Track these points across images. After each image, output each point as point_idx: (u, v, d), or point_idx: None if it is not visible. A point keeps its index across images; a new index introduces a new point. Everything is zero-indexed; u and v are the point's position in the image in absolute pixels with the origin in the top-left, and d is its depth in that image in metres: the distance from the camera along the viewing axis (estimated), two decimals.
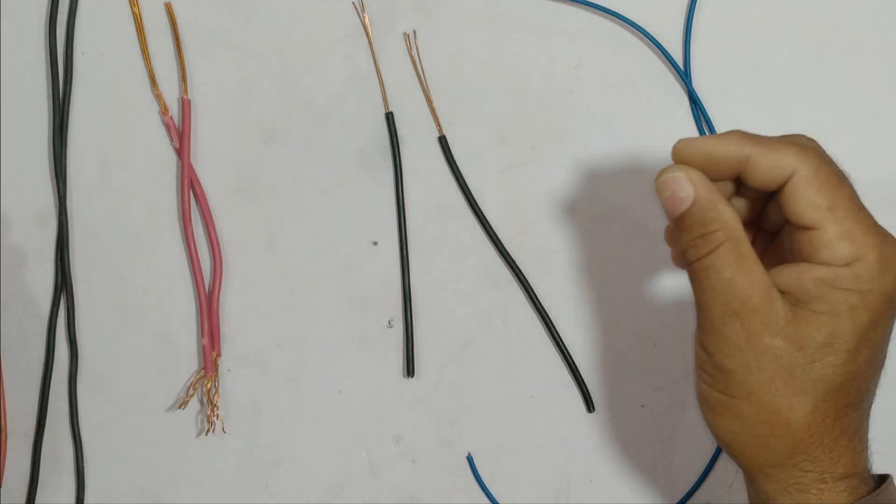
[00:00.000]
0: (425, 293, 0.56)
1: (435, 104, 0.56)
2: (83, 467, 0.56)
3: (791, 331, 0.38)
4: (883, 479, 0.41)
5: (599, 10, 0.56)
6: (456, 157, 0.56)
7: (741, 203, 0.43)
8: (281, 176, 0.56)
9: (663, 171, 0.39)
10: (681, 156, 0.40)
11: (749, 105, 0.56)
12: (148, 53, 0.56)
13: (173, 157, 0.56)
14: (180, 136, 0.56)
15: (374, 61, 0.56)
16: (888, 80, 0.56)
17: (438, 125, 0.56)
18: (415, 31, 0.56)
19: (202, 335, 0.55)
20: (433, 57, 0.56)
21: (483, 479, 0.56)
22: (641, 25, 0.55)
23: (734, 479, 0.56)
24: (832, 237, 0.37)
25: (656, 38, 0.56)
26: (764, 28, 0.56)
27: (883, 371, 0.40)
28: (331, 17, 0.56)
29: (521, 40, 0.56)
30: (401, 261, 0.56)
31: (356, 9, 0.56)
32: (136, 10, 0.56)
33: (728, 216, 0.38)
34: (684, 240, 0.39)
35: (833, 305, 0.37)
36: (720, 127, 0.56)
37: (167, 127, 0.56)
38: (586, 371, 0.56)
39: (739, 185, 0.42)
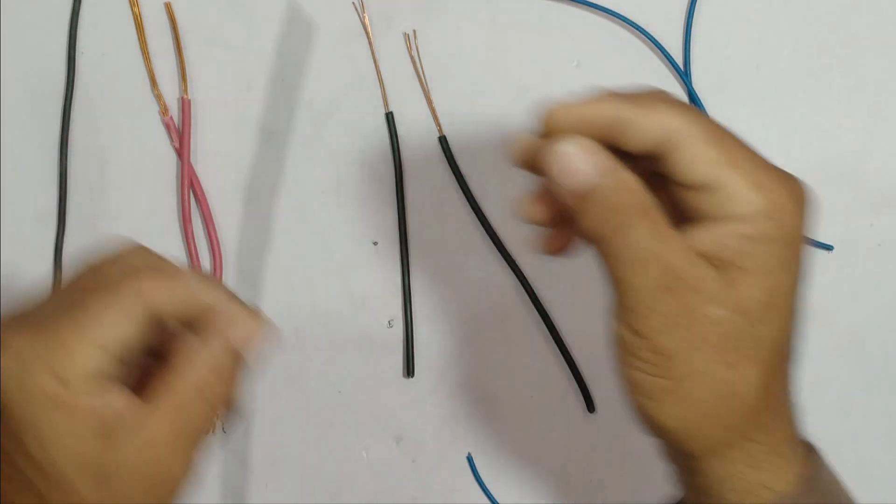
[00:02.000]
0: (425, 293, 0.56)
1: (435, 104, 0.56)
2: None
3: (729, 295, 0.34)
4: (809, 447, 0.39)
5: (599, 10, 0.56)
6: (456, 157, 0.56)
7: None
8: (281, 176, 0.56)
9: (551, 144, 0.34)
10: (557, 125, 0.35)
11: (749, 105, 0.56)
12: (148, 53, 0.56)
13: (173, 157, 0.56)
14: (180, 136, 0.56)
15: (374, 61, 0.56)
16: (888, 80, 0.56)
17: (438, 125, 0.56)
18: (415, 31, 0.56)
19: None
20: (433, 57, 0.56)
21: (483, 479, 0.56)
22: (641, 25, 0.55)
23: None
24: (743, 190, 0.34)
25: (656, 38, 0.56)
26: (764, 28, 0.56)
27: None
28: (331, 17, 0.56)
29: (521, 40, 0.56)
30: (401, 261, 0.56)
31: (356, 9, 0.56)
32: (136, 10, 0.56)
33: (634, 182, 0.34)
34: (592, 216, 0.34)
35: (765, 261, 0.34)
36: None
37: (167, 127, 0.56)
38: (586, 371, 0.56)
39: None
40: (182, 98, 0.56)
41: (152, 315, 0.34)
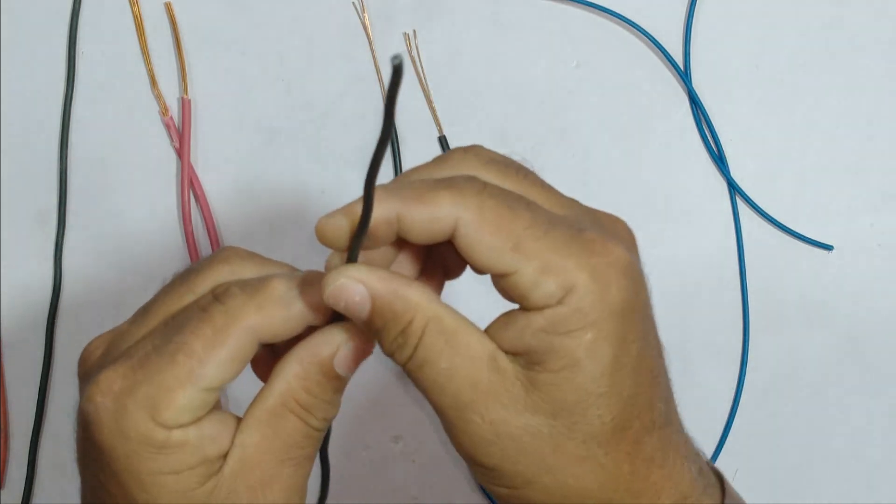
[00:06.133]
0: None
1: (435, 104, 0.56)
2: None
3: (536, 401, 0.31)
4: (721, 478, 0.37)
5: (599, 10, 0.56)
6: None
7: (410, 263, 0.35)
8: (281, 176, 0.56)
9: (324, 280, 0.32)
10: (327, 237, 0.33)
11: (749, 105, 0.56)
12: (148, 53, 0.56)
13: (173, 157, 0.56)
14: (180, 136, 0.56)
15: (374, 61, 0.56)
16: (888, 80, 0.56)
17: (438, 125, 0.56)
18: (415, 31, 0.56)
19: None
20: (433, 57, 0.56)
21: None
22: (641, 25, 0.55)
23: (734, 476, 0.56)
24: (532, 278, 0.31)
25: (656, 38, 0.56)
26: (764, 28, 0.56)
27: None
28: (331, 17, 0.56)
29: (522, 40, 0.56)
30: None
31: (356, 9, 0.56)
32: (136, 10, 0.56)
33: (415, 296, 0.32)
34: (385, 344, 0.32)
35: (567, 356, 0.31)
36: (720, 127, 0.56)
37: (167, 127, 0.56)
38: None
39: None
40: (182, 98, 0.56)
41: (256, 346, 0.33)
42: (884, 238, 0.55)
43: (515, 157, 0.58)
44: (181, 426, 0.32)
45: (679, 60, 0.56)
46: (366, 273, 0.32)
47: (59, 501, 0.56)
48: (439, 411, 0.32)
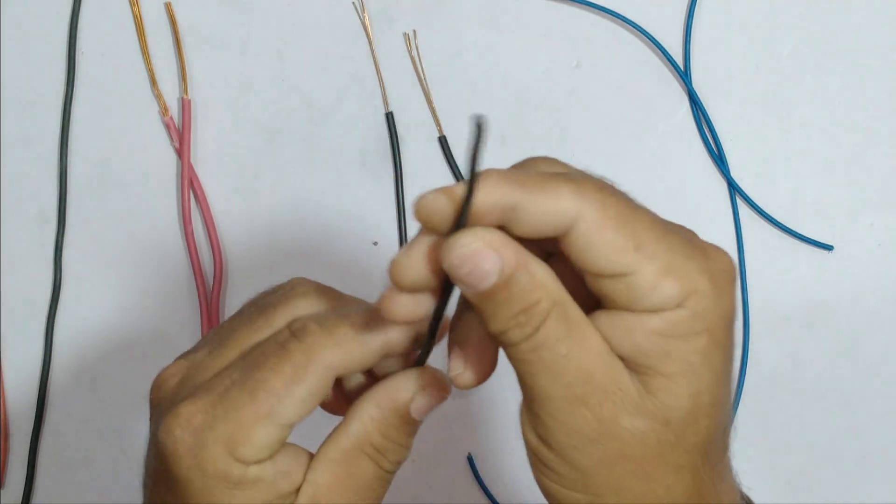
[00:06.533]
0: None
1: (435, 104, 0.56)
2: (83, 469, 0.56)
3: (648, 405, 0.30)
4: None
5: (599, 10, 0.56)
6: (456, 158, 0.56)
7: None
8: (281, 176, 0.56)
9: (450, 241, 0.29)
10: (431, 214, 0.30)
11: (749, 105, 0.56)
12: (148, 53, 0.56)
13: (173, 157, 0.56)
14: (180, 136, 0.56)
15: (374, 61, 0.56)
16: (888, 79, 0.56)
17: (438, 125, 0.56)
18: (415, 31, 0.56)
19: (203, 336, 0.55)
20: (433, 57, 0.56)
21: (483, 479, 0.56)
22: (641, 25, 0.55)
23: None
24: (651, 278, 0.29)
25: (656, 38, 0.56)
26: (763, 28, 0.56)
27: None
28: (331, 17, 0.56)
29: (522, 40, 0.56)
30: None
31: (356, 9, 0.56)
32: (136, 10, 0.56)
33: (546, 277, 0.30)
34: (500, 320, 0.30)
35: (686, 361, 0.30)
36: (720, 127, 0.56)
37: (167, 127, 0.56)
38: None
39: None
40: (182, 98, 0.56)
41: (332, 382, 0.33)
42: (884, 238, 0.55)
43: (516, 157, 0.58)
44: (258, 462, 0.32)
45: (679, 60, 0.56)
46: (498, 239, 0.30)
47: (59, 501, 0.56)
48: (543, 400, 0.31)
